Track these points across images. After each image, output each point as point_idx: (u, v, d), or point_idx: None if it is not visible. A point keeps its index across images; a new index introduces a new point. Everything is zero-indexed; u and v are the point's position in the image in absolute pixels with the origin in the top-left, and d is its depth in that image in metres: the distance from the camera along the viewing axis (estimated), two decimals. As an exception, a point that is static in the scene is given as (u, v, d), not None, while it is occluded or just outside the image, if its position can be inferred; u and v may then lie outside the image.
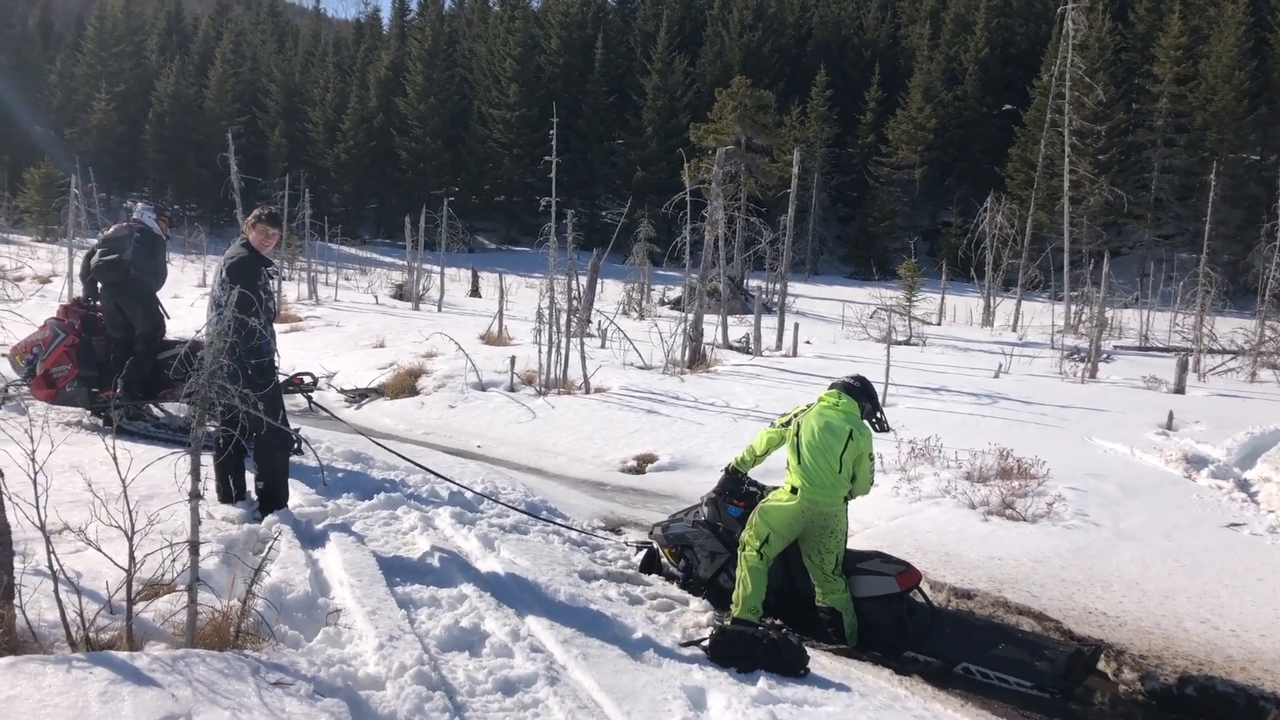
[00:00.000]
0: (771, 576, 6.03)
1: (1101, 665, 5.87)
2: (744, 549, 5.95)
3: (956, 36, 53.72)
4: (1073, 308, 29.21)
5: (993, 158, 48.60)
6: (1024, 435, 11.02)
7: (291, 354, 18.60)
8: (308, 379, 7.81)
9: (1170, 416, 11.82)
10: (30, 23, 71.46)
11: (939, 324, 29.90)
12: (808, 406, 6.19)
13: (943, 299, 32.55)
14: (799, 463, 5.92)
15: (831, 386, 6.28)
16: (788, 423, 6.17)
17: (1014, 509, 8.39)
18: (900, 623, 6.09)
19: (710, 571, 6.55)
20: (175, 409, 8.98)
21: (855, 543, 6.88)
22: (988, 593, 6.77)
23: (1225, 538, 7.87)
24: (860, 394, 6.24)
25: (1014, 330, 28.27)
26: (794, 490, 5.89)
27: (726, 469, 6.72)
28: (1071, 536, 7.86)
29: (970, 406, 13.27)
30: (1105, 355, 20.16)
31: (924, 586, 6.58)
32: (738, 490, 6.62)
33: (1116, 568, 7.22)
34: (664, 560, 6.92)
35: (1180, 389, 15.44)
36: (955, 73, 52.47)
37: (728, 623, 5.60)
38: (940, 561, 7.33)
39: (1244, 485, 9.40)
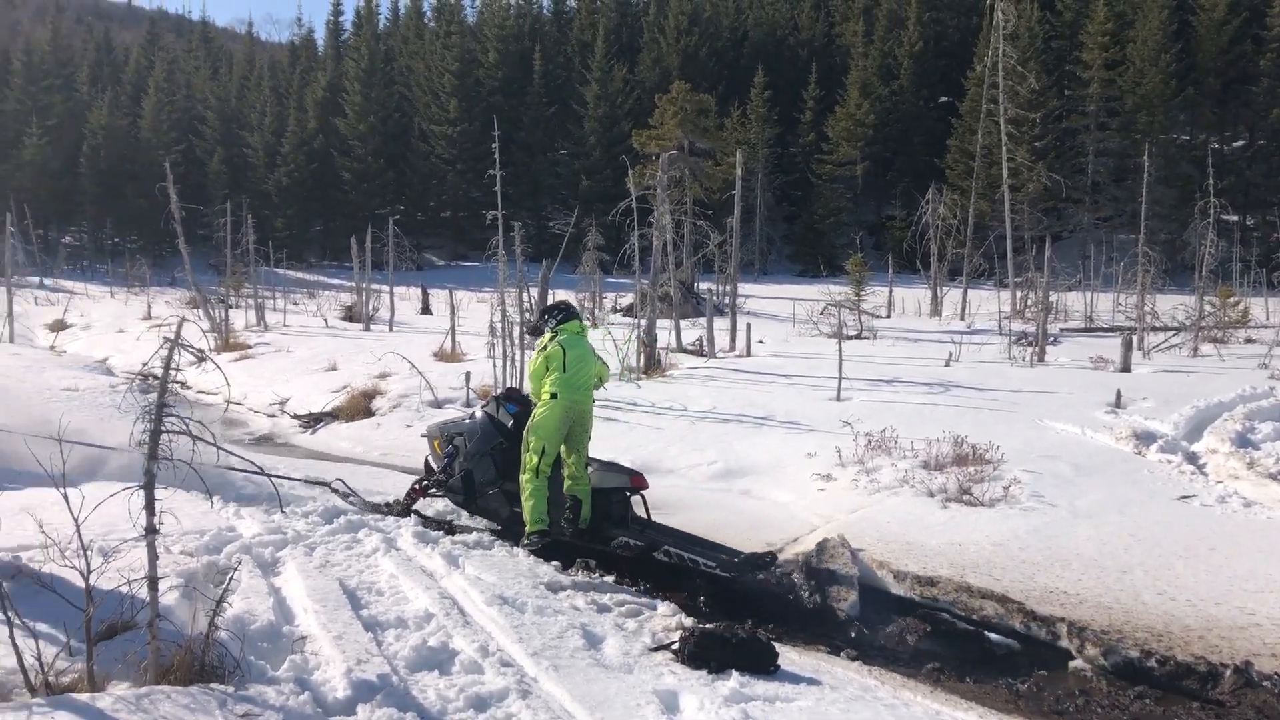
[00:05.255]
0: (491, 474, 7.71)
1: (1065, 643, 5.97)
2: (524, 471, 6.97)
3: (890, 32, 54.32)
4: (1018, 293, 29.67)
5: (932, 150, 49.19)
6: (977, 421, 11.17)
7: (242, 382, 18.39)
8: None
9: (1118, 395, 12.05)
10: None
11: (888, 316, 30.21)
12: (554, 337, 7.20)
13: (890, 291, 32.88)
14: (563, 374, 7.02)
15: (561, 315, 7.44)
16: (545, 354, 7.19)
17: (971, 494, 8.50)
18: (622, 517, 7.45)
19: (477, 451, 7.73)
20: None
21: (820, 534, 6.98)
22: (950, 578, 6.84)
23: (1177, 510, 8.04)
24: (579, 314, 7.68)
25: (962, 319, 28.62)
26: (554, 396, 6.99)
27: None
28: (1029, 518, 7.98)
29: (923, 396, 13.43)
30: (1052, 338, 20.52)
31: (878, 569, 6.64)
32: (515, 396, 8.20)
33: (1074, 546, 7.34)
34: (430, 458, 8.30)
35: (1126, 367, 15.75)
36: (891, 68, 53.06)
37: (687, 621, 5.64)
38: (902, 550, 7.41)
39: (1192, 458, 9.62)
